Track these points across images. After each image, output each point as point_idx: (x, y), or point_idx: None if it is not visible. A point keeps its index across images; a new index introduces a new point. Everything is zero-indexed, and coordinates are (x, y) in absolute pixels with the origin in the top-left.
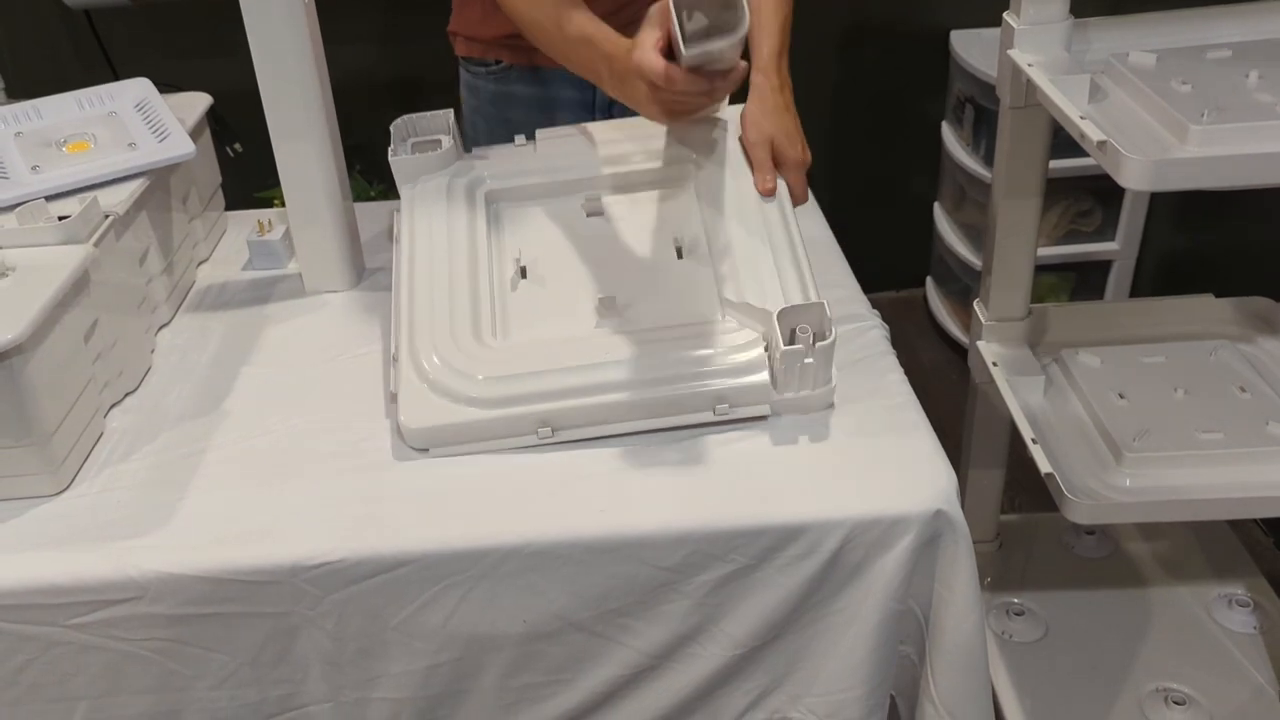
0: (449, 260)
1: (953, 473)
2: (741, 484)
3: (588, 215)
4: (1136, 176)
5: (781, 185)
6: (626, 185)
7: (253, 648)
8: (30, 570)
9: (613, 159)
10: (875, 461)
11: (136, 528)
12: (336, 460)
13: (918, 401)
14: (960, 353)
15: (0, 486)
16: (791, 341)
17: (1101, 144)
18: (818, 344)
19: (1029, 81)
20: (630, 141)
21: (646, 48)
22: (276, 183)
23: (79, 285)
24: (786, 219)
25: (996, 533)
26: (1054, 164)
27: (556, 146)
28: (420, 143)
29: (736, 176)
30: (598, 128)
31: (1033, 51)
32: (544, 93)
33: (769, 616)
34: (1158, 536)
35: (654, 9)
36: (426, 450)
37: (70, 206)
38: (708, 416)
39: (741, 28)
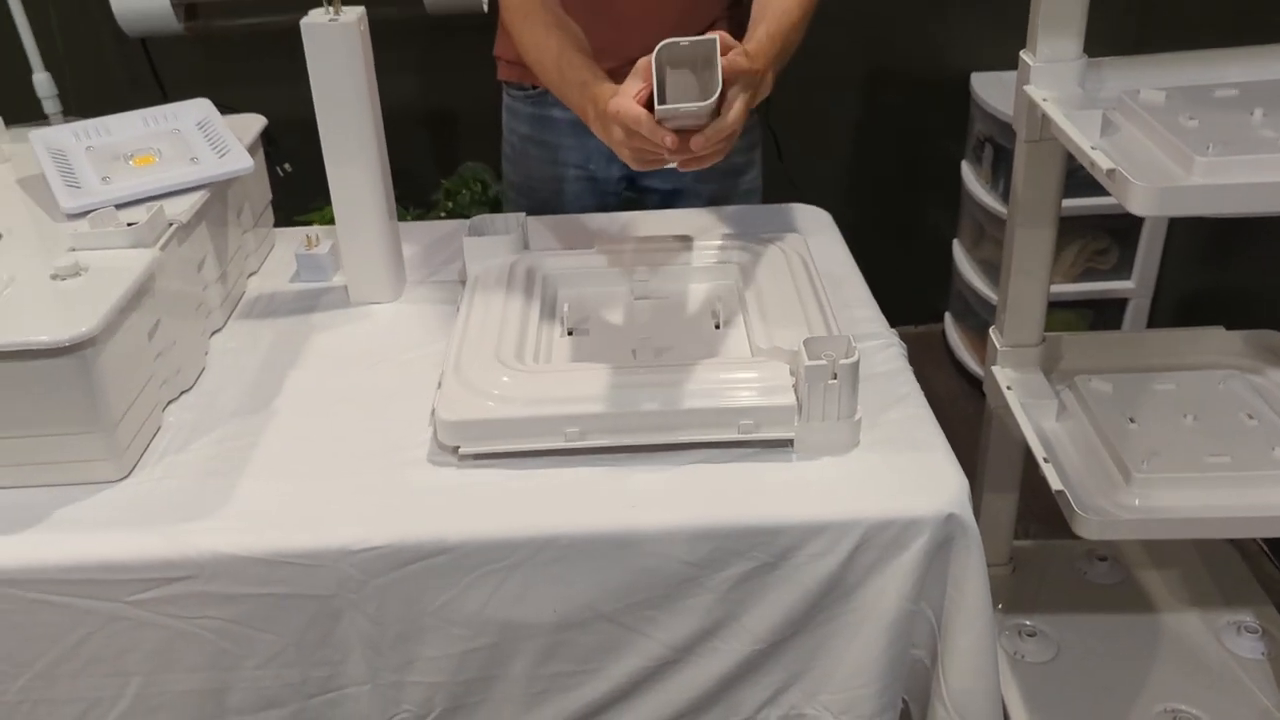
0: (503, 309)
1: (965, 480)
2: (763, 486)
3: (635, 299)
4: (1143, 203)
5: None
6: (673, 277)
7: (298, 629)
8: (94, 548)
9: (663, 255)
10: (891, 467)
11: (193, 512)
12: (379, 457)
13: (932, 414)
14: (977, 386)
15: (68, 471)
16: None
17: (1110, 172)
18: (841, 363)
19: (1044, 115)
20: (678, 241)
21: (627, 95)
22: (317, 206)
23: (145, 286)
24: (815, 286)
25: (1010, 556)
26: (1071, 203)
27: (613, 245)
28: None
29: (774, 265)
30: (651, 226)
31: (1048, 87)
32: (579, 117)
33: (788, 613)
34: (1169, 564)
35: (641, 61)
36: (460, 450)
37: (137, 214)
38: (732, 434)
39: (712, 95)
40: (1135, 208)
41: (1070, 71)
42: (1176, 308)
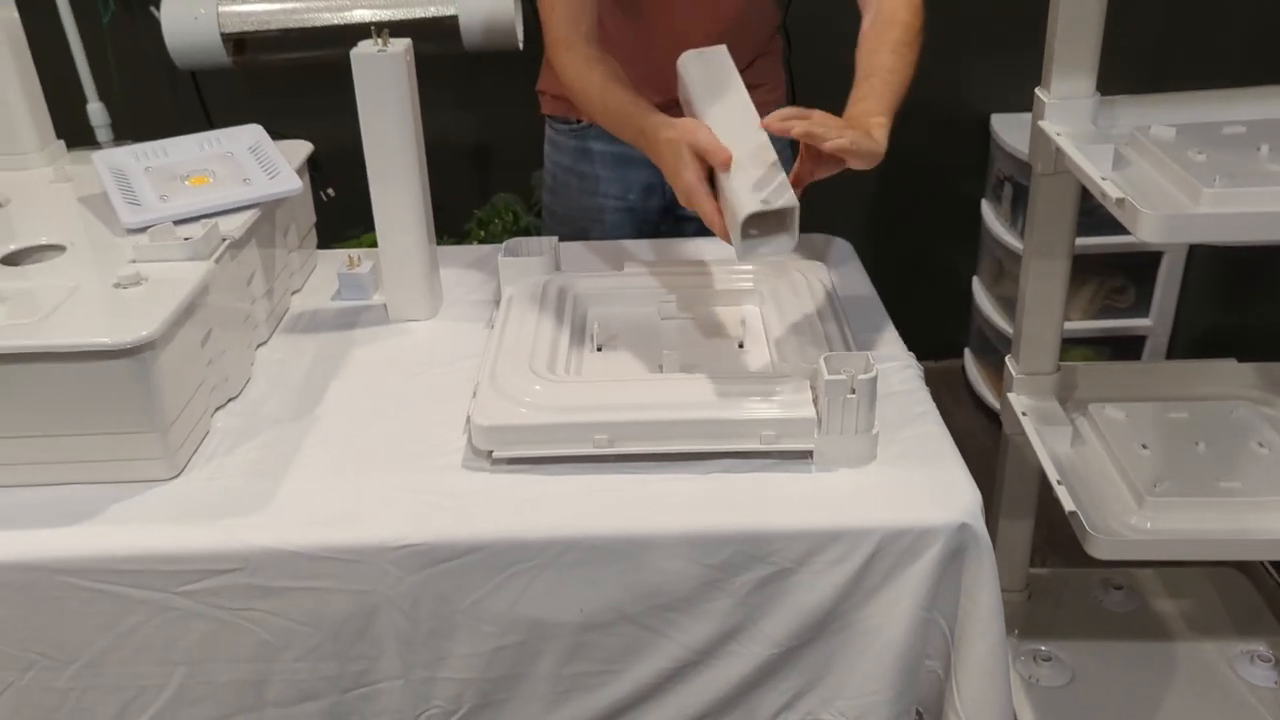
0: (536, 325)
1: (978, 493)
2: (782, 494)
3: (662, 319)
4: (1151, 230)
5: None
6: (700, 300)
7: (337, 623)
8: (148, 540)
9: (690, 279)
10: (906, 479)
11: (241, 508)
12: (417, 461)
13: (947, 431)
14: (997, 421)
15: (123, 469)
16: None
17: (1120, 201)
18: (860, 378)
19: (1058, 149)
20: (705, 266)
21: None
22: (354, 234)
23: (200, 296)
24: (836, 309)
25: (1026, 583)
26: (1089, 241)
27: (642, 269)
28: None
29: (797, 289)
30: (679, 251)
31: (1062, 123)
32: (620, 150)
33: (805, 618)
34: (1183, 593)
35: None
36: (493, 454)
37: (193, 230)
38: (754, 444)
39: (789, 244)
40: (1143, 234)
41: (1084, 108)
42: (1193, 346)
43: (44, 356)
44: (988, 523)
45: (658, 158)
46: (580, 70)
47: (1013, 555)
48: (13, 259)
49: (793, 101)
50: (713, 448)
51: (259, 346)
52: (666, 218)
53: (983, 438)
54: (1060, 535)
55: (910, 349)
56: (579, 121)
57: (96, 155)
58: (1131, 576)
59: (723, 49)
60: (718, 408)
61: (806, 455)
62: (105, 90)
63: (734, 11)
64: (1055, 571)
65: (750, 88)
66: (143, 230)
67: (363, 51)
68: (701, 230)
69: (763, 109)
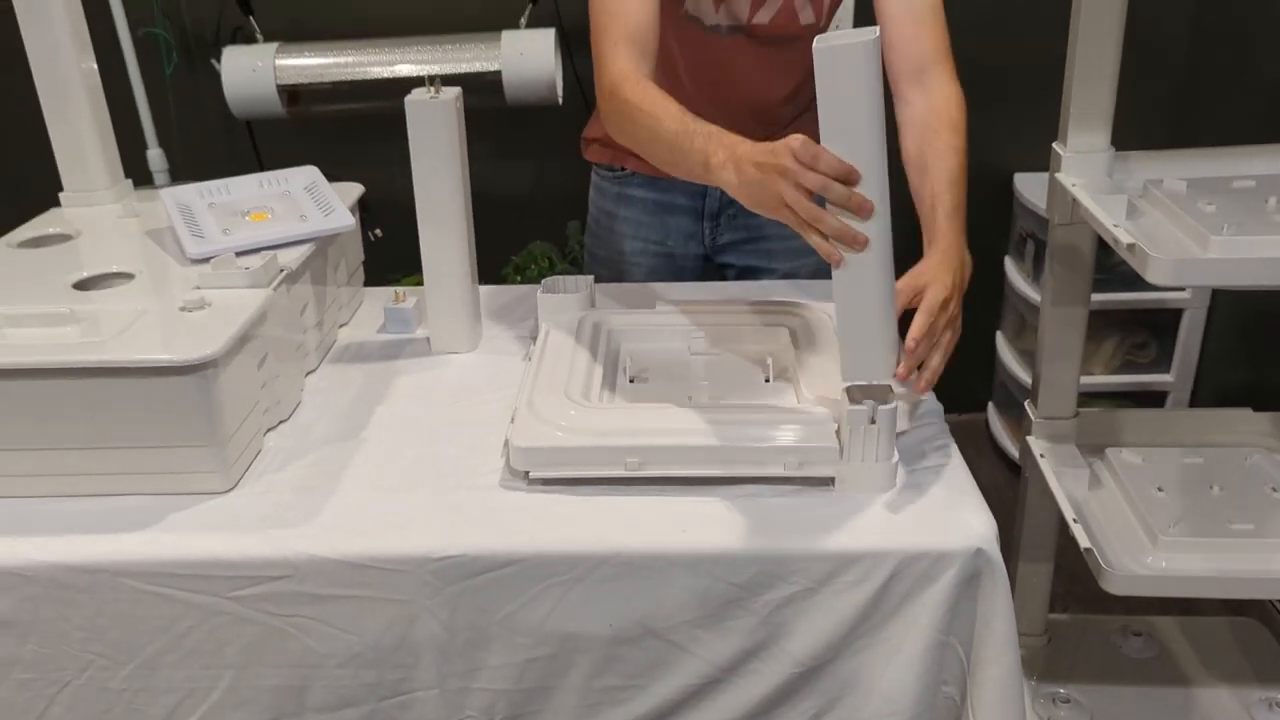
0: (572, 356)
1: (993, 521)
2: (805, 517)
3: (692, 354)
4: (1160, 273)
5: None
6: (727, 337)
7: (378, 631)
8: (202, 546)
9: (718, 317)
10: (924, 506)
11: (291, 520)
12: (456, 480)
13: (964, 464)
14: (1019, 473)
15: (181, 481)
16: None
17: (1131, 246)
18: (880, 409)
19: (1074, 200)
20: (733, 305)
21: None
22: (396, 276)
23: (258, 321)
24: None
25: (1045, 628)
26: (1111, 297)
27: (674, 307)
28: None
29: (823, 329)
30: (711, 293)
31: (1078, 175)
32: (661, 197)
33: (826, 638)
34: (1202, 640)
35: None
36: (530, 475)
37: (253, 261)
38: (778, 470)
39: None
40: (1152, 277)
41: (1099, 162)
42: (1214, 402)
43: (114, 372)
44: (1008, 568)
45: (750, 166)
46: (653, 95)
47: (1032, 599)
48: (84, 284)
49: None
50: (738, 473)
51: (308, 374)
52: (707, 265)
53: (1005, 490)
54: (1081, 586)
55: None
56: (622, 169)
57: (164, 192)
58: (1151, 624)
59: (870, 48)
60: (744, 435)
61: (828, 482)
62: (165, 137)
63: (792, 83)
64: (1075, 617)
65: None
66: (206, 260)
67: (416, 98)
68: (739, 279)
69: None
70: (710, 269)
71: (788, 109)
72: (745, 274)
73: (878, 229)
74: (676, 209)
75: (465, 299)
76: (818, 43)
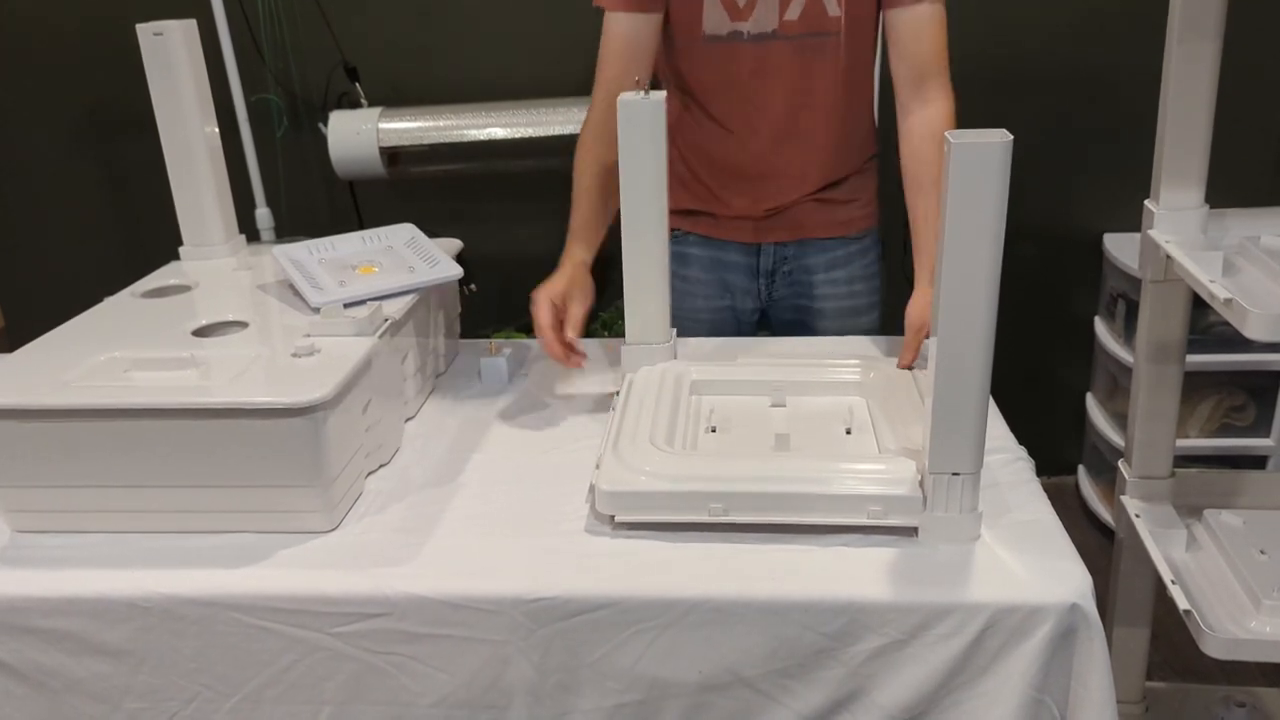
0: (655, 405)
1: (1088, 575)
2: (894, 568)
3: (771, 405)
4: (1259, 329)
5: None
6: (807, 390)
7: (471, 670)
8: (307, 583)
9: (798, 371)
10: (1017, 560)
11: (391, 559)
12: (547, 525)
13: (1058, 518)
14: (1111, 538)
15: (287, 520)
16: None
17: (1228, 301)
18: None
19: (1168, 257)
20: (813, 359)
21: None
22: (491, 328)
23: (364, 367)
24: None
25: (1143, 695)
26: (1208, 358)
27: (752, 360)
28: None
29: (903, 382)
30: (789, 347)
31: (1171, 232)
32: (716, 255)
33: (917, 691)
34: None
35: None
36: (615, 519)
37: (360, 311)
38: (861, 519)
39: None
40: (1251, 333)
41: (1193, 219)
42: None
43: (229, 413)
44: (1094, 590)
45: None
46: (586, 159)
47: (1129, 665)
48: (202, 332)
49: (881, 206)
50: (822, 520)
51: (408, 420)
52: (763, 320)
53: (1098, 555)
54: (1180, 656)
55: None
56: (677, 230)
57: (276, 249)
58: (1255, 695)
59: (1004, 150)
60: (826, 483)
61: (912, 532)
62: (272, 195)
63: (816, 87)
64: (1175, 686)
65: (842, 203)
66: (317, 310)
67: (628, 98)
68: (792, 333)
69: (852, 224)
70: (765, 324)
71: (808, 118)
72: (795, 328)
73: (982, 331)
74: (732, 266)
75: (659, 290)
76: (952, 137)
